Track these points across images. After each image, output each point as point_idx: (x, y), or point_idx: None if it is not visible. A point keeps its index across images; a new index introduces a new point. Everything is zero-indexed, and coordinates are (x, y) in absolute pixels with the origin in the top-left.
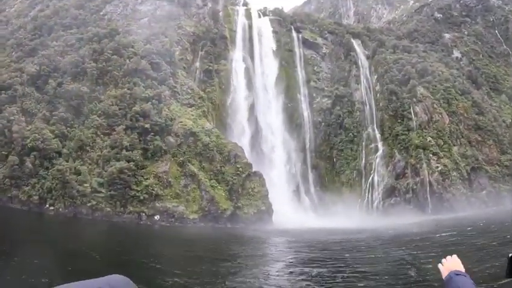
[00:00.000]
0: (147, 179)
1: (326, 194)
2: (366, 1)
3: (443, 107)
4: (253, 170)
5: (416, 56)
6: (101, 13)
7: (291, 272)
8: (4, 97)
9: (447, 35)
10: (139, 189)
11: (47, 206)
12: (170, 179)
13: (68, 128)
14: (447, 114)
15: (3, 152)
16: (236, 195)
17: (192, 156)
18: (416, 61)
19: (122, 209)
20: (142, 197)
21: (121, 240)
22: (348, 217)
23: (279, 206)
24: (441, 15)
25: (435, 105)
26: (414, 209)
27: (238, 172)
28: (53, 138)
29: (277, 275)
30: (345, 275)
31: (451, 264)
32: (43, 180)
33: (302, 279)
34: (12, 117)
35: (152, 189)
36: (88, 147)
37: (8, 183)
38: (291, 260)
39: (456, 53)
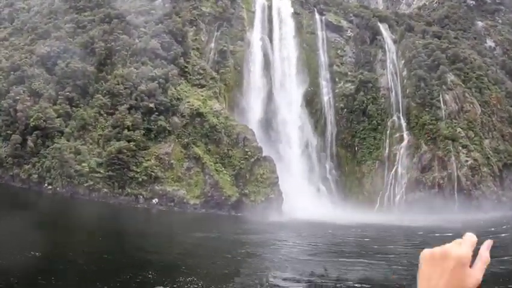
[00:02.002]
0: (148, 160)
1: (346, 185)
2: None
3: (474, 96)
4: (264, 154)
5: (446, 42)
6: None
7: None
8: (13, 77)
9: (480, 23)
10: (138, 170)
11: (46, 185)
12: (172, 161)
13: (73, 108)
14: (479, 105)
15: (8, 131)
16: (243, 181)
17: (198, 138)
18: (446, 46)
19: (120, 190)
20: (140, 179)
21: (91, 222)
22: (367, 211)
23: (293, 194)
24: (474, 2)
25: (466, 94)
26: (439, 206)
27: (247, 156)
28: (57, 118)
29: None
30: None
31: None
32: (43, 159)
33: None
34: (18, 97)
35: (152, 171)
36: (90, 127)
37: (10, 162)
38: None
39: (489, 42)
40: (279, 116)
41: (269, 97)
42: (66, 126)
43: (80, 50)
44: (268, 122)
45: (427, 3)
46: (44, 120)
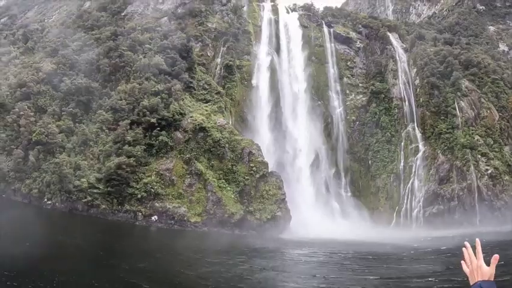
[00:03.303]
0: (148, 176)
1: (360, 200)
2: None
3: (491, 102)
4: (270, 170)
5: (458, 47)
6: (123, 14)
7: None
8: (19, 94)
9: (491, 28)
10: (138, 186)
11: (45, 200)
12: (173, 177)
13: (77, 124)
14: (496, 110)
15: (12, 146)
16: (248, 198)
17: (200, 153)
18: (458, 52)
19: (119, 207)
20: (140, 195)
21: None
22: (384, 228)
23: (303, 212)
24: (483, 7)
25: (482, 100)
26: (459, 220)
27: (252, 172)
28: (59, 133)
29: None
30: None
31: (476, 269)
32: (44, 174)
33: None
34: (22, 113)
35: (152, 188)
36: (91, 142)
37: (12, 176)
38: None
39: (502, 46)
40: (287, 130)
41: (276, 111)
42: (68, 142)
43: (86, 67)
44: (277, 137)
45: (437, 12)
46: (45, 136)
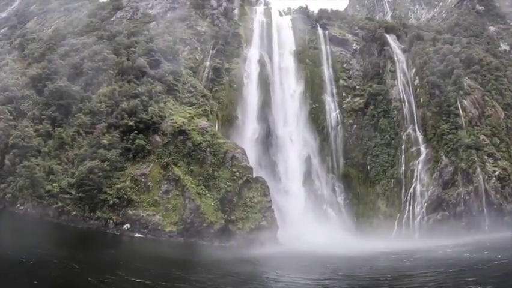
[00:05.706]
0: (123, 181)
1: (358, 208)
2: (403, 3)
3: (495, 99)
4: (255, 175)
5: (459, 46)
6: (112, 19)
7: None
8: (1, 98)
9: (491, 28)
10: (111, 192)
11: (18, 205)
12: (149, 183)
13: (56, 128)
14: (501, 108)
15: None
16: (229, 206)
17: (179, 158)
18: (459, 51)
19: (90, 213)
20: (112, 202)
21: None
22: (384, 237)
23: (294, 222)
24: (483, 7)
25: (486, 98)
26: (466, 226)
27: (234, 177)
28: (36, 137)
29: None
30: None
31: None
32: (18, 179)
33: None
34: (2, 116)
35: (125, 194)
36: (67, 146)
37: None
38: None
39: (503, 46)
40: (279, 135)
41: (267, 115)
42: (45, 146)
43: (70, 71)
44: (267, 142)
45: (436, 15)
46: (22, 139)
